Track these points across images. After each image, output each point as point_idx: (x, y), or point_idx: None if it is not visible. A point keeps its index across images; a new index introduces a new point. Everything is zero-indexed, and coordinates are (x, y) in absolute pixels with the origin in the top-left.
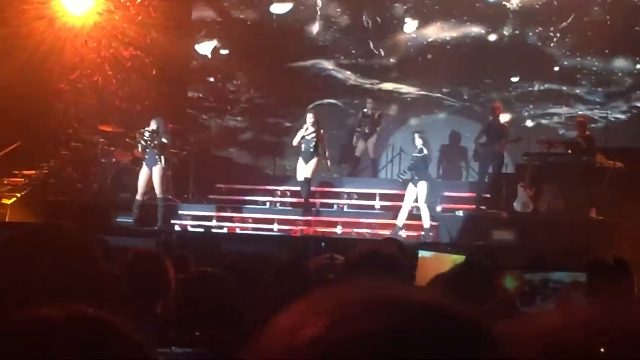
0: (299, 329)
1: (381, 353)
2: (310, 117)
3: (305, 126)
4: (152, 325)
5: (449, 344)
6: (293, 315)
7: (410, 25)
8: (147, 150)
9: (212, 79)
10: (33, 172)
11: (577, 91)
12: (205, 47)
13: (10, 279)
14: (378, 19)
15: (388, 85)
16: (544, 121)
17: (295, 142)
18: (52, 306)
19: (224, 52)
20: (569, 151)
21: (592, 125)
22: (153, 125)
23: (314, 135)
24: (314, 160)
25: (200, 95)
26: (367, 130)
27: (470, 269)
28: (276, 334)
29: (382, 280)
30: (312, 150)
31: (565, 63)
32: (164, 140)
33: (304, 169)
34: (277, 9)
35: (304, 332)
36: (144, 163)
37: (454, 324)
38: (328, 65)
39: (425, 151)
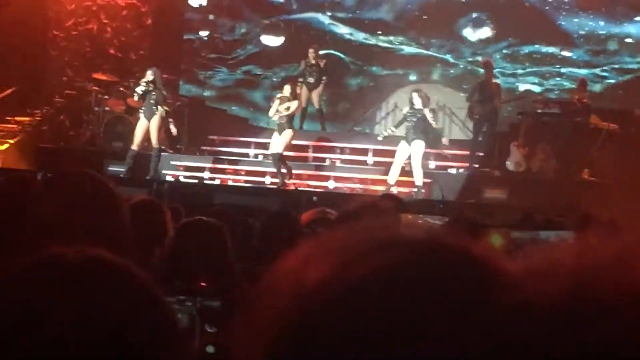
0: (307, 269)
1: (394, 292)
2: (286, 89)
3: (279, 96)
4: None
5: (464, 282)
6: (299, 256)
7: None
8: (144, 101)
9: (206, 32)
10: (26, 118)
11: (572, 53)
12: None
13: (37, 223)
14: None
15: (382, 41)
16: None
17: (271, 113)
18: (69, 247)
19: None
20: (564, 111)
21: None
22: (150, 76)
23: (288, 106)
24: (287, 133)
25: (195, 45)
26: (311, 80)
27: (456, 227)
28: (282, 276)
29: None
30: (284, 121)
31: (563, 24)
32: (161, 91)
33: (277, 142)
34: None
35: (313, 271)
36: (141, 114)
37: (470, 262)
38: (324, 19)
39: (424, 110)
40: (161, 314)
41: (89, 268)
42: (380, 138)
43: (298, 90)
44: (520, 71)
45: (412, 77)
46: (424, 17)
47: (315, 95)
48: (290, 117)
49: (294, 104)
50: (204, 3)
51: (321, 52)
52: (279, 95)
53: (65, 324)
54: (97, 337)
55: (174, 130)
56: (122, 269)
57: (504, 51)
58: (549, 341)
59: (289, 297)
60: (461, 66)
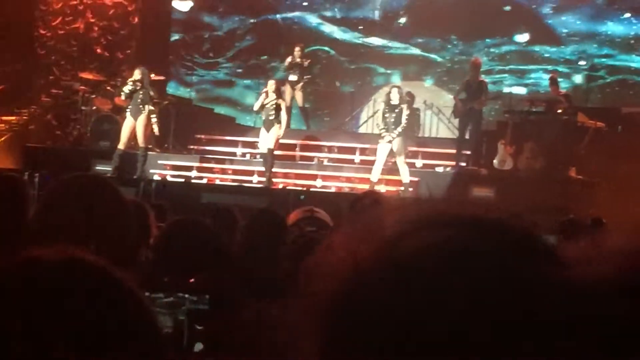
0: (360, 245)
1: (446, 267)
2: (271, 84)
3: (264, 92)
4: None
5: (523, 260)
6: (352, 233)
7: None
8: (131, 100)
9: (193, 33)
10: (13, 118)
11: (560, 51)
12: (183, 5)
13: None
14: None
15: (369, 40)
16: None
17: (255, 107)
18: (51, 249)
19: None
20: (550, 109)
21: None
22: (137, 75)
23: (274, 103)
24: (275, 129)
25: (183, 45)
26: (294, 78)
27: None
28: (333, 254)
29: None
30: (272, 118)
31: (550, 22)
32: (148, 90)
33: (266, 139)
34: None
35: (366, 247)
36: (127, 113)
37: (526, 239)
38: (312, 18)
39: (402, 106)
40: (141, 315)
41: (67, 269)
42: (386, 140)
43: (283, 88)
44: (506, 70)
45: (399, 76)
46: (412, 15)
47: (299, 94)
48: (277, 113)
49: (283, 104)
50: (187, 9)
51: (309, 50)
52: (264, 90)
53: (41, 326)
54: (75, 339)
55: (156, 130)
56: (101, 269)
57: (491, 50)
58: (611, 319)
59: (345, 273)
60: (448, 65)
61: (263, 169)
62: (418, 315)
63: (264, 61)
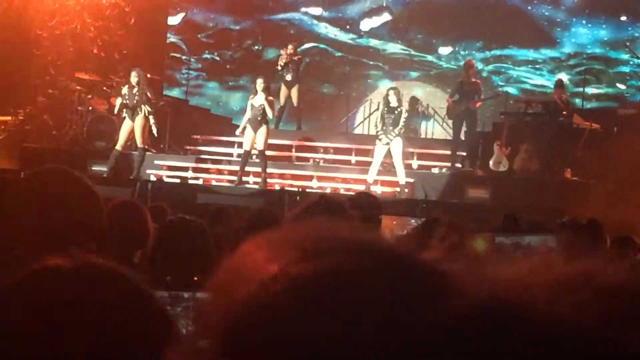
0: (268, 262)
1: (345, 291)
2: (259, 83)
3: (253, 92)
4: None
5: (411, 289)
6: (261, 248)
7: None
8: (128, 102)
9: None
10: (9, 118)
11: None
12: (175, 19)
13: (16, 223)
14: None
15: (366, 41)
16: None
17: (248, 107)
18: (60, 256)
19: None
20: (546, 111)
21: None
22: (134, 77)
23: (262, 103)
24: (262, 131)
25: (178, 46)
26: (289, 78)
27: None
28: (241, 264)
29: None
30: (260, 119)
31: (545, 23)
32: (145, 91)
33: (251, 139)
34: None
35: (273, 265)
36: (125, 115)
37: (414, 269)
38: (307, 19)
39: (400, 108)
40: (158, 315)
41: (85, 275)
42: (384, 142)
43: (274, 87)
44: (501, 71)
45: (395, 76)
46: (408, 16)
47: (294, 93)
48: (264, 113)
49: (269, 106)
50: (178, 21)
51: (302, 49)
52: (253, 89)
53: (67, 331)
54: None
55: (155, 130)
56: (116, 273)
57: (486, 52)
58: (468, 347)
59: (246, 286)
60: (443, 66)
61: (259, 169)
62: (302, 338)
63: (259, 61)
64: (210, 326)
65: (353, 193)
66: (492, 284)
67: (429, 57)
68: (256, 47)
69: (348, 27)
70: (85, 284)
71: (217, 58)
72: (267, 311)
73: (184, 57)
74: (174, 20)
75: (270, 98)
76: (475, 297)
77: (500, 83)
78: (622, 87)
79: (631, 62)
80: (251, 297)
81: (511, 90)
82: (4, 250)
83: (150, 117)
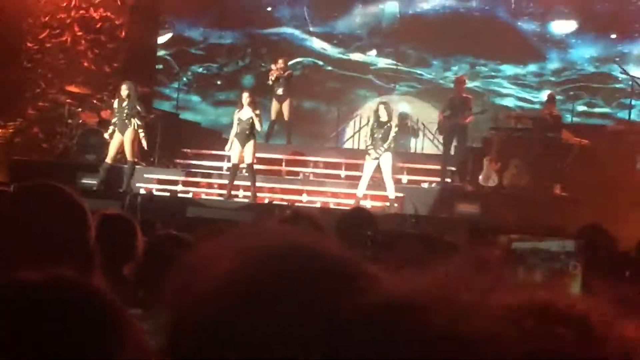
0: (208, 267)
1: (267, 289)
2: (245, 97)
3: (239, 107)
4: (118, 288)
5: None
6: (205, 253)
7: None
8: (118, 115)
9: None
10: None
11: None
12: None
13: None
14: None
15: (356, 55)
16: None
17: (234, 121)
18: (31, 269)
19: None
20: (535, 126)
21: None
22: (124, 90)
23: (250, 116)
24: (250, 144)
25: (168, 60)
26: (280, 92)
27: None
28: (191, 266)
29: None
30: (248, 132)
31: (535, 39)
32: (135, 104)
33: (239, 153)
34: None
35: (213, 270)
36: (115, 128)
37: (326, 268)
38: (296, 33)
39: (390, 122)
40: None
41: (53, 290)
42: (373, 157)
43: (272, 104)
44: (491, 87)
45: (385, 91)
46: (398, 32)
47: (286, 108)
48: (252, 127)
49: (257, 119)
50: (166, 40)
51: (292, 62)
52: (239, 102)
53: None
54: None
55: (144, 144)
56: (87, 289)
57: (476, 67)
58: (360, 347)
59: (194, 288)
60: (433, 81)
61: (248, 183)
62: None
63: (249, 75)
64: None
65: (343, 207)
66: (401, 289)
67: (419, 72)
68: (246, 61)
69: (337, 41)
70: (50, 297)
71: (207, 72)
72: (200, 308)
73: (174, 70)
74: (162, 39)
75: (258, 112)
76: (377, 298)
77: (490, 98)
78: (612, 103)
79: (620, 79)
80: (192, 295)
81: (501, 105)
82: None
83: (140, 130)
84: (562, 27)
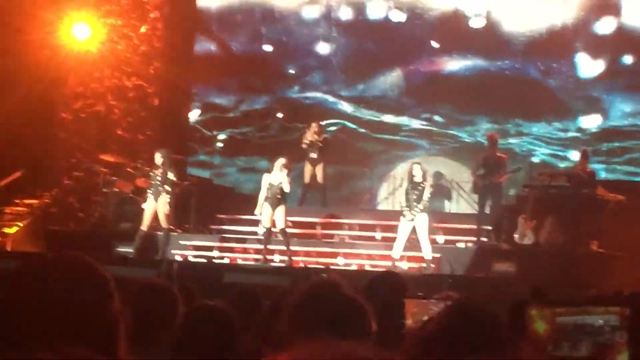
0: None
1: None
2: (280, 162)
3: (268, 170)
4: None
5: None
6: None
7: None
8: (152, 182)
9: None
10: (35, 201)
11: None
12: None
13: (22, 311)
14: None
15: (388, 117)
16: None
17: (263, 185)
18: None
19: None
20: (570, 183)
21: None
22: (158, 158)
23: (281, 180)
24: (281, 209)
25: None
26: (314, 156)
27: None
28: None
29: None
30: (279, 197)
31: (567, 97)
32: (170, 173)
33: (270, 216)
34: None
35: None
36: (149, 195)
37: None
38: (326, 97)
39: (424, 183)
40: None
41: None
42: (408, 218)
43: (305, 168)
44: (524, 145)
45: (418, 152)
46: (430, 92)
47: (319, 172)
48: (283, 191)
49: (286, 182)
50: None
51: (325, 124)
52: (271, 167)
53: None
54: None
55: (166, 209)
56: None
57: (508, 125)
58: None
59: None
60: (466, 140)
61: (284, 247)
62: None
63: (282, 139)
64: None
65: (379, 269)
66: None
67: (451, 132)
68: (276, 126)
69: (368, 103)
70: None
71: (240, 137)
72: None
73: (207, 134)
74: (192, 115)
75: (288, 176)
76: None
77: (523, 156)
78: None
79: None
80: None
81: (534, 162)
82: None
83: (167, 196)
84: (594, 84)
